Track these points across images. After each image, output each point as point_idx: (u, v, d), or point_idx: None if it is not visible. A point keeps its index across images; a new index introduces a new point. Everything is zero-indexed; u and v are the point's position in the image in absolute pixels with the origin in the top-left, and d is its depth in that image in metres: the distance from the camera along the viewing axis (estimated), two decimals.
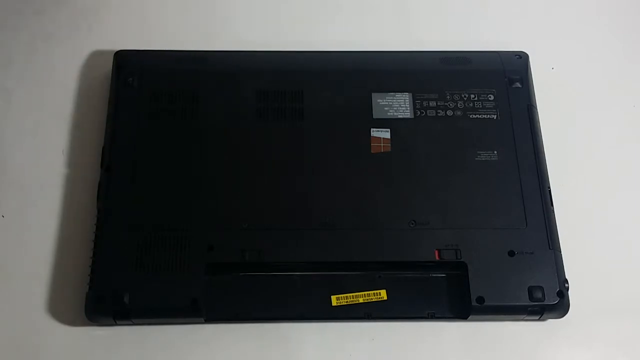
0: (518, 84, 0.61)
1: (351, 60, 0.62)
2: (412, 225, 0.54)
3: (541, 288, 0.52)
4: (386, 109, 0.59)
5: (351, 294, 0.53)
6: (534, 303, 0.52)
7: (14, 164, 0.60)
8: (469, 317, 0.53)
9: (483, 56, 0.63)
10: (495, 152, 0.57)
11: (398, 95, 0.60)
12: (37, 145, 0.60)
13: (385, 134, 0.58)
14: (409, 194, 0.56)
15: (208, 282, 0.52)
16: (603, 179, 0.61)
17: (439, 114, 0.59)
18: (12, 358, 0.53)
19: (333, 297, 0.53)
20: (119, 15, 0.67)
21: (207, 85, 0.59)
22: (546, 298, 0.52)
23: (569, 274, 0.53)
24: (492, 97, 0.60)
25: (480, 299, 0.52)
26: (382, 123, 0.58)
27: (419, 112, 0.59)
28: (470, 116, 0.59)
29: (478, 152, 0.57)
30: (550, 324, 0.54)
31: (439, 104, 0.59)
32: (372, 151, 0.57)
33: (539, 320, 0.54)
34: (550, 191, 0.57)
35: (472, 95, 0.60)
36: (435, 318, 0.53)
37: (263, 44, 0.65)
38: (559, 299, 0.52)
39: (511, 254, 0.54)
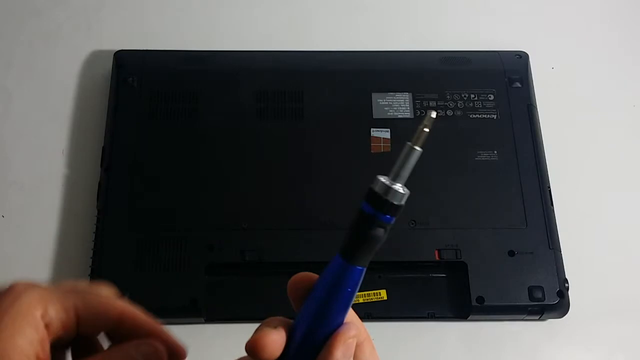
0: (518, 84, 0.61)
1: (351, 60, 0.62)
2: (412, 225, 0.54)
3: (541, 288, 0.52)
4: (386, 109, 0.59)
5: None
6: (534, 303, 0.52)
7: (14, 164, 0.60)
8: (469, 317, 0.53)
9: (483, 56, 0.63)
10: (495, 152, 0.57)
11: (398, 95, 0.60)
12: (37, 145, 0.60)
13: (385, 133, 0.58)
14: (409, 194, 0.55)
15: (208, 282, 0.52)
16: (603, 179, 0.61)
17: (439, 114, 0.59)
18: None
19: None
20: (119, 15, 0.67)
21: (207, 85, 0.59)
22: (546, 298, 0.52)
23: (569, 274, 0.53)
24: (492, 97, 0.60)
25: (480, 299, 0.52)
26: (382, 123, 0.58)
27: (419, 112, 0.59)
28: (470, 116, 0.59)
29: (478, 152, 0.57)
30: (551, 324, 0.54)
31: (439, 104, 0.59)
32: (372, 151, 0.57)
33: (539, 320, 0.54)
34: (550, 191, 0.57)
35: (472, 95, 0.60)
36: (435, 318, 0.53)
37: (263, 44, 0.65)
38: (559, 298, 0.52)
39: (511, 253, 0.54)
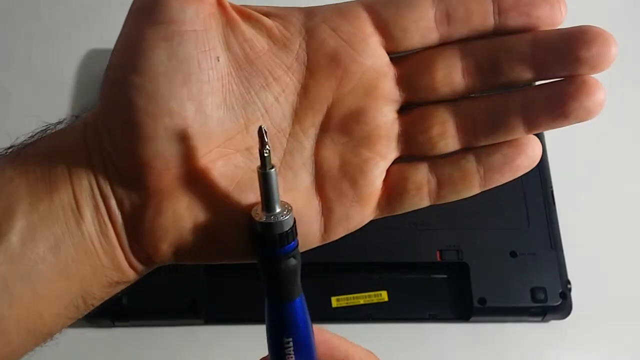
0: None
1: None
2: (413, 226, 0.54)
3: (544, 289, 0.52)
4: None
5: (352, 296, 0.53)
6: (536, 304, 0.52)
7: None
8: (471, 319, 0.52)
9: None
10: None
11: None
12: None
13: None
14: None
15: (207, 283, 0.52)
16: (605, 179, 0.60)
17: None
18: None
19: (333, 299, 0.53)
20: (118, 14, 0.67)
21: None
22: (549, 299, 0.52)
23: (571, 275, 0.53)
24: None
25: (482, 300, 0.52)
26: None
27: None
28: None
29: None
30: (553, 325, 0.54)
31: None
32: None
33: (541, 321, 0.54)
34: (552, 191, 0.56)
35: (473, 95, 0.59)
36: (437, 319, 0.53)
37: None
38: (561, 300, 0.52)
39: (513, 254, 0.53)
